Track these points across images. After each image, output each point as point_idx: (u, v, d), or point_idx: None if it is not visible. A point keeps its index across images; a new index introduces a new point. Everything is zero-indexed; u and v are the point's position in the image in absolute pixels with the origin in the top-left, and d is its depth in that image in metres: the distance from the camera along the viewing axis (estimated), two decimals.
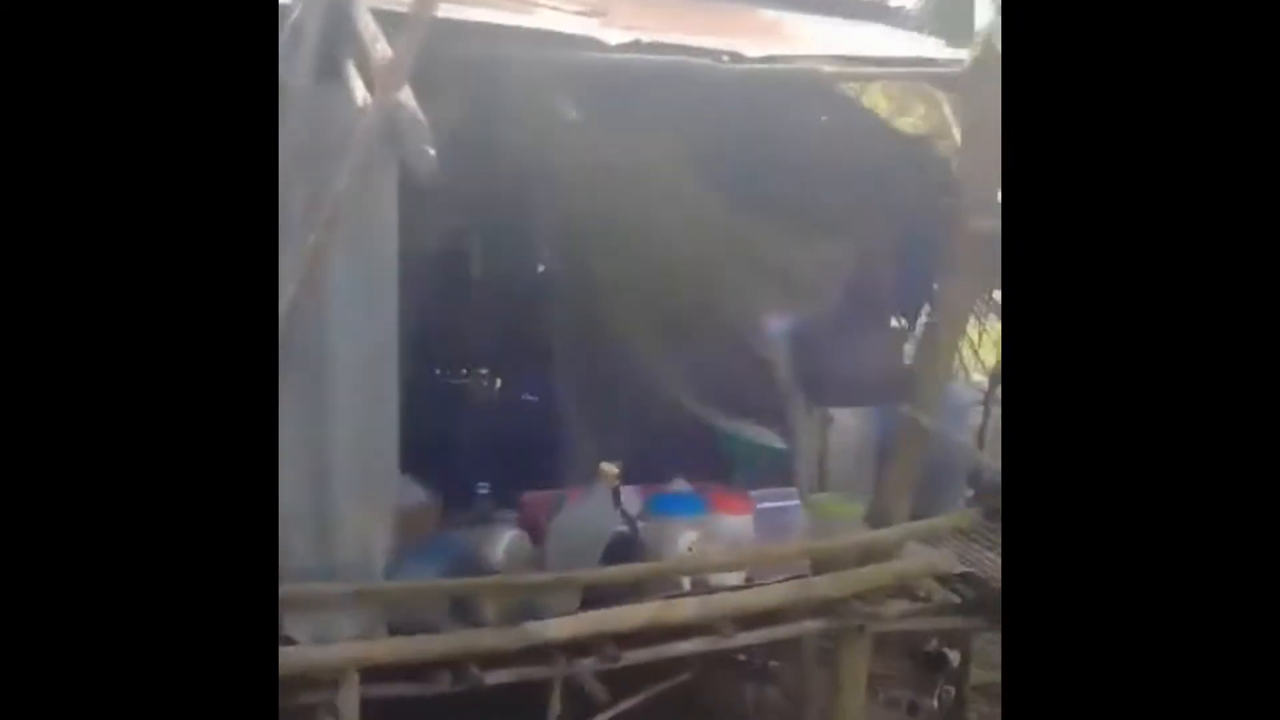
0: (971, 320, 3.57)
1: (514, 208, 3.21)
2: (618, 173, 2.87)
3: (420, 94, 1.49)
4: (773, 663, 2.94)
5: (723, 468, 2.59)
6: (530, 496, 2.16)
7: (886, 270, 2.42)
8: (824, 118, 2.49)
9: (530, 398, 3.46)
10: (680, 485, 2.18)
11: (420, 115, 1.42)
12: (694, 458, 2.66)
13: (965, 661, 3.10)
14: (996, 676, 3.31)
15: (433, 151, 1.38)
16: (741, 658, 3.08)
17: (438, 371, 3.78)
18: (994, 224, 1.77)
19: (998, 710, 3.12)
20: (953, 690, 3.09)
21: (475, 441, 2.81)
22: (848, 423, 2.54)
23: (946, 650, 3.26)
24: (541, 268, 3.31)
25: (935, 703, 3.14)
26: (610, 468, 1.74)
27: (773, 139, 2.48)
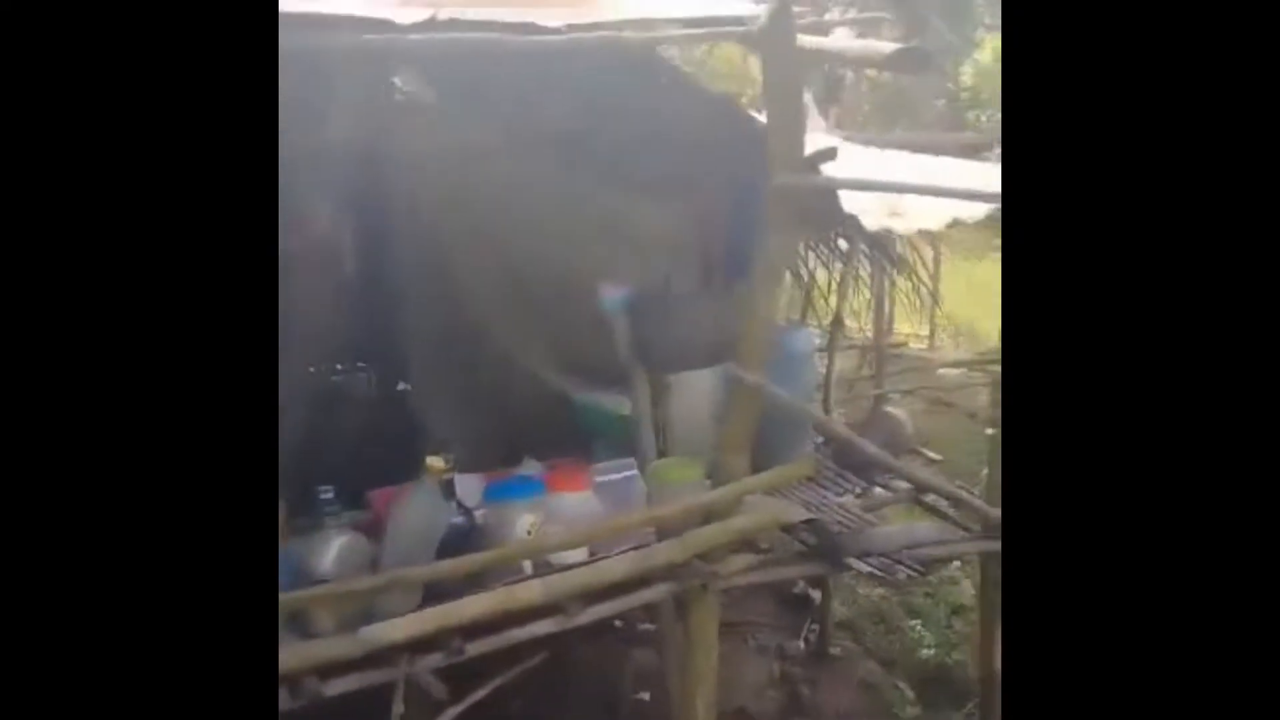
0: (821, 269, 3.71)
1: (374, 193, 3.13)
2: (448, 155, 2.82)
3: None
4: (643, 626, 3.02)
5: (583, 441, 2.62)
6: (377, 494, 2.12)
7: (714, 232, 2.47)
8: (640, 85, 2.50)
9: (405, 387, 3.41)
10: (530, 466, 2.19)
11: None
12: (555, 433, 2.68)
13: (826, 599, 3.26)
14: (857, 612, 3.51)
15: None
16: (618, 623, 3.16)
17: (311, 369, 3.68)
18: (800, 178, 1.83)
19: (859, 644, 3.31)
20: (818, 628, 3.26)
21: (321, 440, 2.75)
22: (696, 387, 2.60)
23: (810, 591, 3.43)
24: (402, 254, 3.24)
25: (802, 643, 3.30)
26: (436, 461, 1.72)
27: (594, 110, 2.47)
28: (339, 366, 3.82)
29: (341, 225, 3.46)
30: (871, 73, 9.67)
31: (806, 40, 1.73)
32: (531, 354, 3.00)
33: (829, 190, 1.97)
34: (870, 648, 3.28)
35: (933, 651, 3.20)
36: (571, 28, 2.13)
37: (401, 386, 3.41)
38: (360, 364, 3.70)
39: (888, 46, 1.58)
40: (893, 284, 3.77)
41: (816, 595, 3.33)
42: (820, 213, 2.01)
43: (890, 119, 9.11)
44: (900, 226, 2.11)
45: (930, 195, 2.06)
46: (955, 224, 2.25)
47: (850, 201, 2.11)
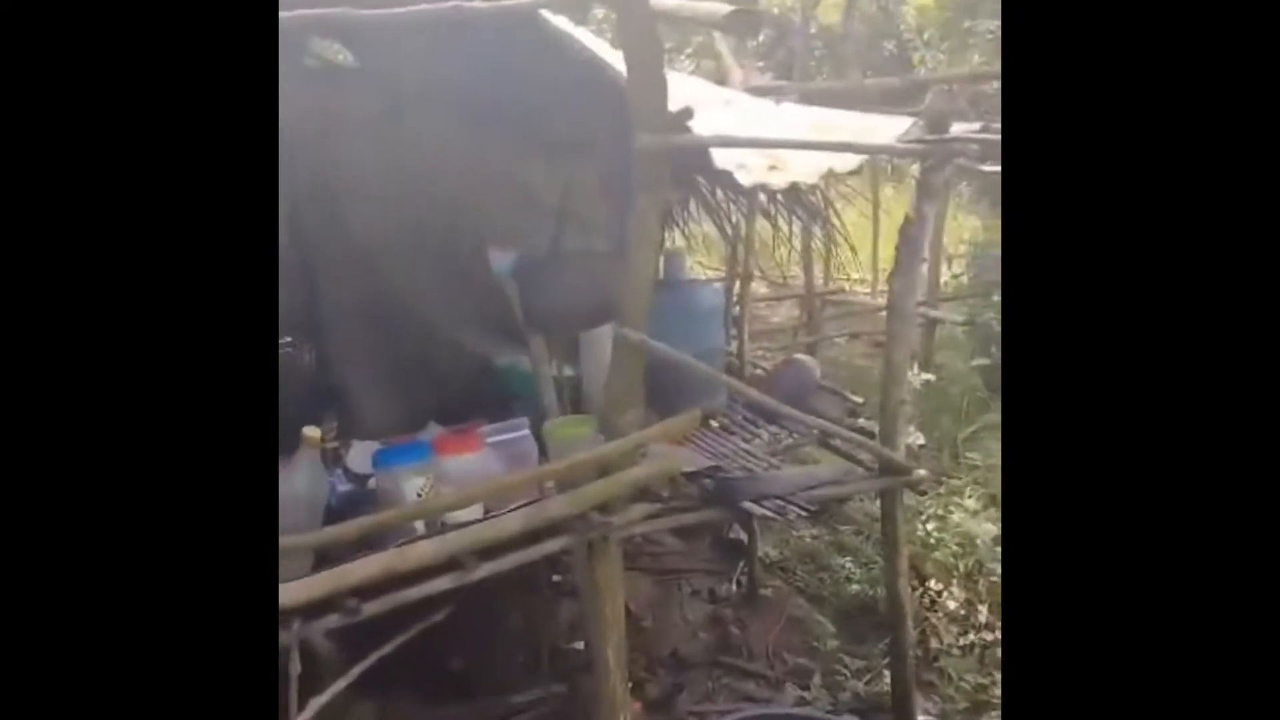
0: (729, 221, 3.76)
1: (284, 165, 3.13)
2: (365, 118, 2.83)
3: None
4: (555, 577, 3.12)
5: (505, 404, 2.68)
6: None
7: (608, 193, 2.51)
8: (530, 51, 2.52)
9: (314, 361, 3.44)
10: (431, 430, 2.26)
11: None
12: (480, 397, 2.74)
13: (753, 541, 3.37)
14: (785, 551, 3.63)
15: None
16: (556, 578, 3.26)
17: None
18: (663, 139, 1.87)
19: (789, 584, 3.43)
20: (748, 571, 3.37)
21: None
22: (603, 346, 2.67)
23: (741, 535, 3.53)
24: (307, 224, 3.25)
25: (733, 586, 3.41)
26: (312, 431, 1.78)
27: (493, 76, 2.50)
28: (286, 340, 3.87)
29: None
30: (822, 19, 9.65)
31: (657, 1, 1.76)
32: (449, 319, 3.05)
33: (699, 148, 2.02)
34: (800, 586, 3.40)
35: (859, 586, 3.33)
36: None
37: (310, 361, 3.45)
38: (286, 338, 3.74)
39: (723, 8, 1.61)
40: (809, 233, 3.82)
41: (745, 537, 3.44)
42: (691, 170, 2.05)
43: (841, 65, 9.08)
44: (777, 180, 2.16)
45: (799, 149, 2.11)
46: (830, 174, 2.30)
47: (729, 158, 2.15)
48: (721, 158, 2.10)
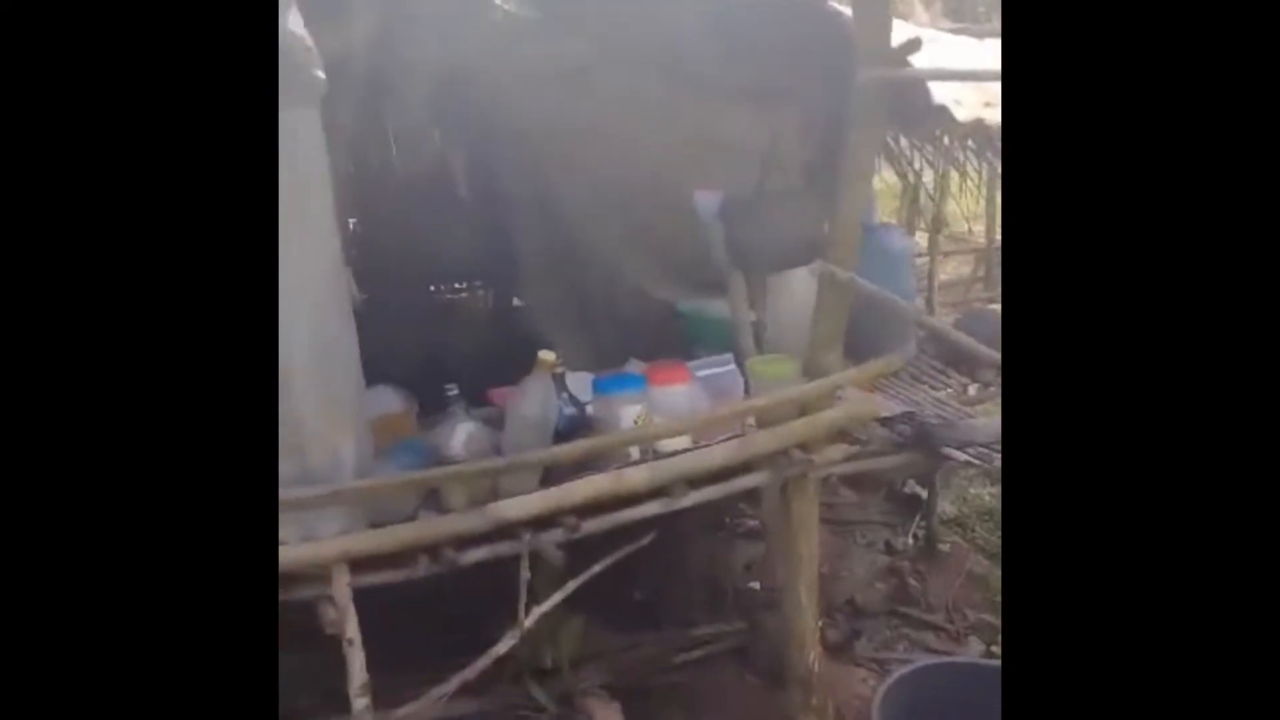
0: (929, 172, 3.65)
1: (474, 118, 3.30)
2: (555, 72, 2.93)
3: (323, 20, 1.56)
4: (751, 522, 3.18)
5: (688, 346, 2.75)
6: (496, 391, 2.34)
7: (809, 133, 2.50)
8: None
9: (520, 304, 3.65)
10: (634, 366, 2.35)
11: (309, 41, 1.52)
12: (662, 340, 2.83)
13: (932, 496, 3.32)
14: (964, 509, 3.55)
15: (321, 75, 1.48)
16: (729, 520, 3.33)
17: (432, 288, 3.98)
18: (887, 70, 1.84)
19: (965, 540, 3.37)
20: (926, 525, 3.33)
21: (446, 350, 3.01)
22: (793, 289, 2.68)
23: (919, 490, 3.49)
24: (507, 176, 3.42)
25: (910, 539, 3.38)
26: (547, 355, 1.89)
27: (706, 16, 2.51)
28: (458, 285, 4.12)
29: (452, 147, 3.68)
30: None
31: None
32: (635, 266, 3.13)
33: (918, 82, 1.98)
34: (979, 544, 3.33)
35: None
36: None
37: (516, 302, 3.66)
38: (477, 282, 3.97)
39: None
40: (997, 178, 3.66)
41: (924, 493, 3.39)
42: (909, 106, 2.02)
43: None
44: (992, 117, 2.09)
45: None
46: None
47: (945, 94, 2.10)
48: (938, 93, 2.05)
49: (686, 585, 3.00)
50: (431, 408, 2.30)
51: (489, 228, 3.50)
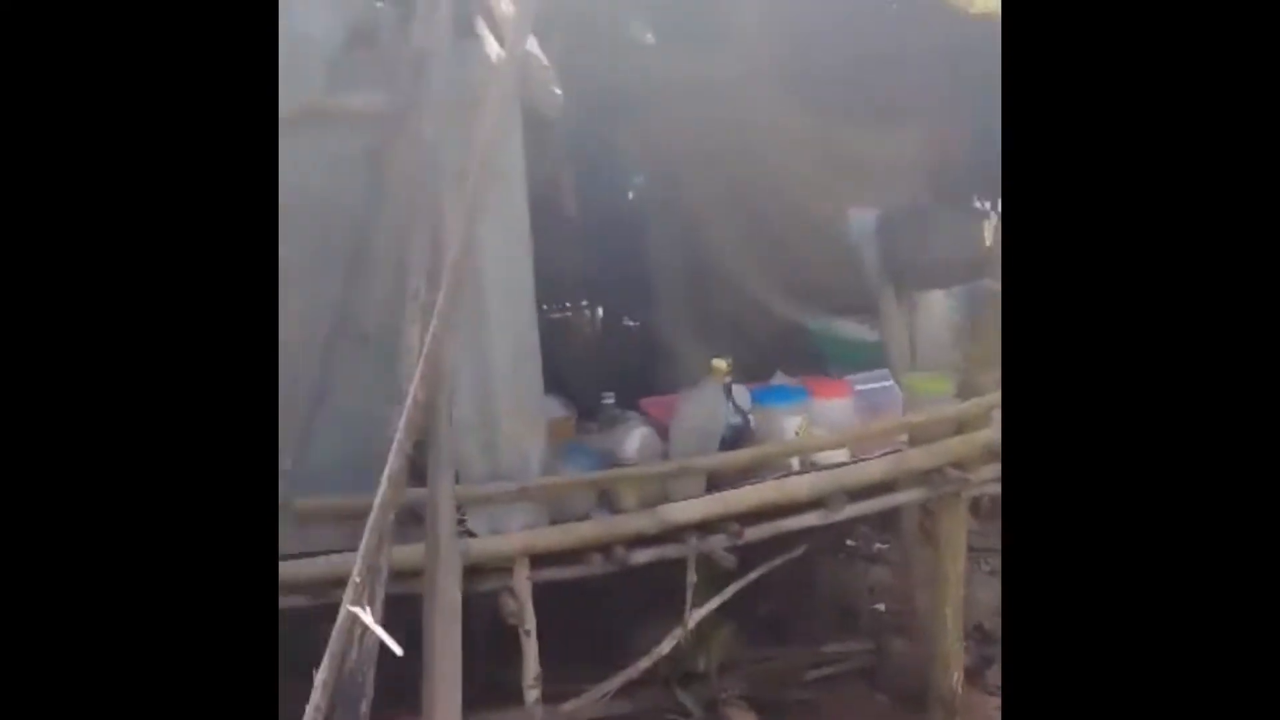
0: None
1: (601, 138, 3.40)
2: (693, 89, 3.01)
3: None
4: (879, 545, 3.17)
5: (817, 364, 2.78)
6: (649, 401, 2.41)
7: (964, 152, 2.51)
8: (892, 5, 2.56)
9: (631, 323, 3.72)
10: (781, 379, 2.40)
11: (545, 60, 1.63)
12: (790, 358, 2.86)
13: None
14: None
15: (559, 91, 1.58)
16: (851, 543, 3.32)
17: (543, 307, 4.06)
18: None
19: None
20: None
21: (594, 362, 3.09)
22: (937, 308, 2.69)
23: None
24: (631, 194, 3.51)
25: None
26: (721, 363, 1.95)
27: (840, 34, 2.57)
28: (567, 304, 4.17)
29: (566, 168, 3.77)
30: None
31: None
32: (764, 284, 3.17)
33: None
34: None
35: None
36: None
37: (628, 321, 3.71)
38: (583, 301, 4.03)
39: None
40: None
41: None
42: None
43: None
44: None
45: None
46: None
47: None
48: None
49: (812, 604, 3.00)
50: (587, 414, 2.38)
51: (599, 246, 3.56)
